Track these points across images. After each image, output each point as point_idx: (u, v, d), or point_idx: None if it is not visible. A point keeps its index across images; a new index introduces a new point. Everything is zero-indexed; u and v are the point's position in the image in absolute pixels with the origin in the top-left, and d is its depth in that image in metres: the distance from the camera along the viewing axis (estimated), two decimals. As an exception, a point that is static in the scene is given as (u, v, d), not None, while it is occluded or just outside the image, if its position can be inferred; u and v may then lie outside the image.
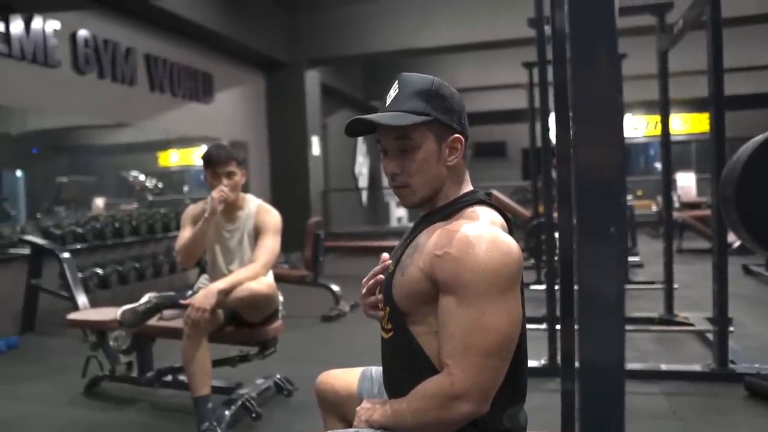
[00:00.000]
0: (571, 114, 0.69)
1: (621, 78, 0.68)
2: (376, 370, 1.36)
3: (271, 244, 2.54)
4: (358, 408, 1.17)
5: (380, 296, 1.23)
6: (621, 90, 0.68)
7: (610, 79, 0.66)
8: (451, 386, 0.99)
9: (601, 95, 0.67)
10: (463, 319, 0.99)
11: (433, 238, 1.07)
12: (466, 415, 1.00)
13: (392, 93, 1.14)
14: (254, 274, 2.45)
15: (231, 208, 2.59)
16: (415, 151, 1.10)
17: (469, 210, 1.11)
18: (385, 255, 1.26)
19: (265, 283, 2.49)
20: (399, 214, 10.46)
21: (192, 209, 2.67)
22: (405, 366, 1.12)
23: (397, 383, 1.15)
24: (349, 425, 1.18)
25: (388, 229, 10.53)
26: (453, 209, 1.12)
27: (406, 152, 1.11)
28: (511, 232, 1.10)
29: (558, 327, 2.99)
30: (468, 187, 1.18)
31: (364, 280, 1.27)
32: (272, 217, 2.60)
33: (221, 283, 2.38)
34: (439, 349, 1.03)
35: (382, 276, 1.24)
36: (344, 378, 1.39)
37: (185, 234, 2.58)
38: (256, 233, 2.58)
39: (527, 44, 6.75)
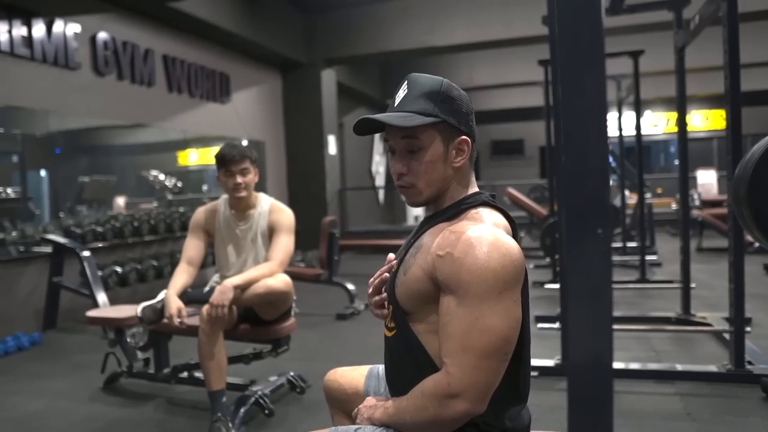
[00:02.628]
0: (557, 120, 0.70)
1: (605, 84, 0.69)
2: (383, 369, 1.38)
3: (285, 243, 2.58)
4: (360, 406, 1.19)
5: (385, 295, 1.25)
6: (605, 95, 0.68)
7: (594, 85, 0.67)
8: (448, 385, 1.00)
9: (586, 101, 0.68)
10: (462, 319, 1.01)
11: (435, 239, 1.09)
12: (463, 414, 1.01)
13: (401, 93, 1.15)
14: (270, 272, 2.48)
15: (244, 207, 2.63)
16: (422, 152, 1.12)
17: (473, 212, 1.12)
18: (391, 255, 1.28)
19: (282, 280, 2.52)
20: (416, 212, 10.46)
21: (200, 214, 2.71)
22: (406, 364, 1.13)
23: (398, 381, 1.16)
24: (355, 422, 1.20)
25: (405, 227, 10.54)
26: (457, 210, 1.13)
27: (413, 153, 1.12)
28: (515, 235, 1.11)
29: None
30: (473, 188, 1.19)
31: (371, 279, 1.29)
32: (286, 216, 2.63)
33: (236, 279, 2.42)
34: (440, 351, 1.05)
35: (388, 275, 1.26)
36: (351, 376, 1.40)
37: (191, 243, 2.64)
38: (270, 232, 2.62)
39: (542, 42, 6.71)
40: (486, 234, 1.03)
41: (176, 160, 7.67)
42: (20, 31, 4.45)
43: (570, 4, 0.68)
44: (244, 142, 7.94)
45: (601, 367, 0.67)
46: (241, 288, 2.42)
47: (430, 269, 1.06)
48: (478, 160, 14.50)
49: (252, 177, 2.58)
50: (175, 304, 2.43)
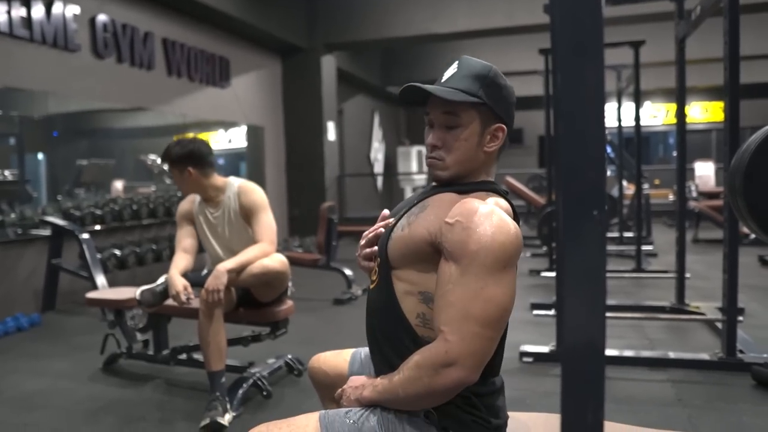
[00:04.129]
0: (555, 107, 0.72)
1: (603, 69, 0.71)
2: (366, 352, 1.39)
3: (267, 220, 2.59)
4: (345, 387, 1.20)
5: (375, 248, 1.26)
6: (603, 81, 0.70)
7: (593, 70, 0.68)
8: (446, 353, 1.01)
9: (585, 87, 0.70)
10: (466, 288, 1.02)
11: (444, 205, 1.10)
12: (457, 381, 1.02)
13: (450, 71, 1.16)
14: (263, 253, 2.50)
15: (212, 196, 2.65)
16: (459, 129, 1.14)
17: (483, 193, 1.14)
18: (386, 211, 1.28)
19: (278, 259, 2.55)
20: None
21: (183, 206, 2.73)
22: (382, 315, 1.16)
23: (375, 332, 1.18)
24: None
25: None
26: (469, 188, 1.15)
27: (450, 129, 1.14)
28: (517, 222, 1.13)
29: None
30: (491, 177, 1.21)
31: (366, 232, 1.30)
32: (257, 194, 2.64)
33: (229, 263, 2.44)
34: (434, 315, 1.06)
35: (383, 230, 1.27)
36: (334, 361, 1.41)
37: (182, 234, 2.66)
38: (244, 213, 2.62)
39: (544, 30, 6.69)
40: (495, 210, 1.06)
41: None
42: (19, 12, 4.43)
43: (571, -8, 0.70)
44: (243, 128, 7.93)
45: (594, 343, 0.69)
46: (236, 271, 2.44)
47: (436, 233, 1.07)
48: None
49: (178, 178, 2.59)
50: (180, 282, 2.44)
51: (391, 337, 1.14)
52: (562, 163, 0.72)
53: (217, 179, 2.64)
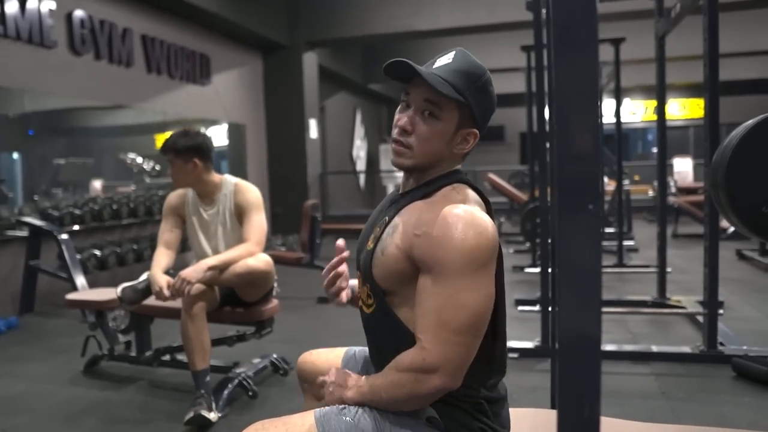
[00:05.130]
0: (550, 100, 0.72)
1: (598, 63, 0.70)
2: (360, 350, 1.38)
3: (258, 221, 2.56)
4: (328, 381, 1.18)
5: (344, 284, 1.27)
6: (598, 73, 0.70)
7: (588, 64, 0.68)
8: (423, 360, 1.02)
9: (580, 80, 0.70)
10: (437, 296, 1.02)
11: (412, 218, 1.09)
12: (439, 388, 1.02)
13: (444, 60, 1.12)
14: (248, 252, 2.48)
15: (207, 192, 2.60)
16: (436, 122, 1.10)
17: (449, 188, 1.12)
18: (340, 242, 1.26)
19: (263, 259, 2.52)
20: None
21: (172, 199, 2.67)
22: (388, 338, 1.14)
23: (382, 355, 1.17)
24: None
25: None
26: (433, 187, 1.13)
27: (427, 117, 1.10)
28: (489, 213, 1.11)
29: (551, 309, 3.03)
30: (455, 168, 1.18)
31: (323, 272, 1.28)
32: (253, 194, 2.61)
33: (212, 260, 2.41)
34: (415, 327, 1.06)
35: (341, 269, 1.27)
36: (327, 357, 1.39)
37: (166, 227, 2.61)
38: (239, 213, 2.59)
39: (526, 27, 6.72)
40: (462, 212, 1.03)
41: (154, 143, 7.56)
42: (-7, 7, 4.33)
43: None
44: (224, 125, 7.85)
45: (591, 336, 0.69)
46: (218, 269, 2.41)
47: (407, 248, 1.07)
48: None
49: (180, 169, 2.51)
50: (163, 279, 2.40)
51: (401, 350, 1.12)
52: (557, 155, 0.72)
53: (215, 176, 2.61)
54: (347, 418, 1.09)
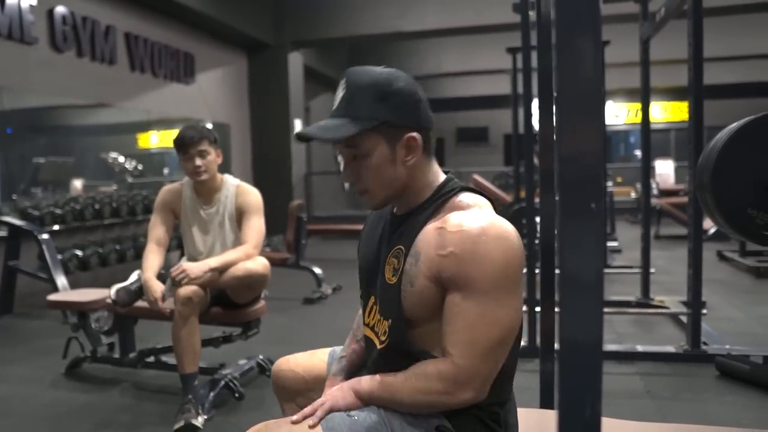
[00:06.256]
0: (555, 99, 0.72)
1: (603, 64, 0.70)
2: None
3: (257, 225, 2.54)
4: (326, 395, 1.13)
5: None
6: (603, 76, 0.70)
7: (593, 65, 0.68)
8: (456, 375, 1.01)
9: (584, 81, 0.69)
10: (469, 313, 1.00)
11: (432, 240, 1.04)
12: (469, 401, 1.03)
13: (339, 93, 1.08)
14: (246, 255, 2.46)
15: (209, 190, 2.57)
16: (367, 159, 1.06)
17: (457, 200, 1.08)
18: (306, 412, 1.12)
19: (261, 263, 2.50)
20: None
21: (165, 194, 2.63)
22: (394, 369, 1.10)
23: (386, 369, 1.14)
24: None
25: (369, 213, 10.55)
26: (438, 203, 1.08)
27: (357, 160, 1.07)
28: (496, 212, 1.08)
29: (537, 309, 3.05)
30: (440, 175, 1.13)
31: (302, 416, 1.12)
32: (254, 197, 2.59)
33: (214, 261, 2.39)
34: (443, 341, 1.03)
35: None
36: (309, 362, 1.33)
37: (157, 223, 2.57)
38: (238, 215, 2.57)
39: (512, 30, 6.75)
40: (484, 224, 1.00)
41: (137, 142, 7.47)
42: (-28, 2, 4.24)
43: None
44: (209, 125, 7.78)
45: (593, 341, 0.69)
46: (218, 270, 2.39)
47: (435, 272, 1.03)
48: (444, 146, 14.61)
49: (213, 159, 2.50)
50: (158, 288, 2.37)
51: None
52: (560, 154, 0.71)
53: (218, 174, 2.58)
54: (354, 418, 1.08)
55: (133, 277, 2.52)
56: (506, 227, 1.02)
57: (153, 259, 2.49)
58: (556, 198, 0.75)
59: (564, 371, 0.73)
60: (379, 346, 1.14)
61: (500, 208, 5.56)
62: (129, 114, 6.32)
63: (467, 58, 10.97)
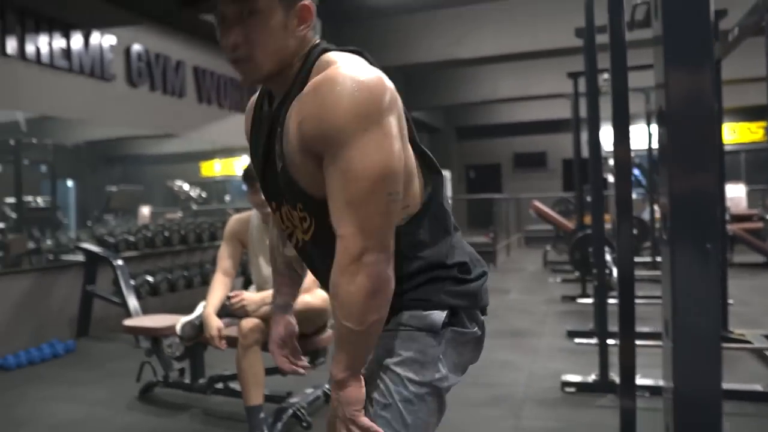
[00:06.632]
0: (658, 125, 0.69)
1: (717, 83, 0.68)
2: None
3: None
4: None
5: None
6: (717, 97, 0.67)
7: (706, 86, 0.65)
8: (347, 250, 0.91)
9: (697, 103, 0.67)
10: (336, 175, 0.91)
11: (293, 112, 0.97)
12: (377, 264, 0.91)
13: None
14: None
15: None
16: (258, 17, 0.96)
17: (321, 61, 0.99)
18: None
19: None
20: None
21: (233, 223, 2.70)
22: (330, 255, 0.99)
23: (326, 270, 1.02)
24: None
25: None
26: (304, 74, 1.00)
27: (247, 19, 0.97)
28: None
29: (610, 341, 2.93)
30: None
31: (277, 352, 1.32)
32: None
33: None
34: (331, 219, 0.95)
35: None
36: None
37: (226, 253, 2.63)
38: None
39: (571, 54, 6.67)
40: (332, 75, 0.92)
41: (201, 170, 7.75)
42: (60, 43, 4.55)
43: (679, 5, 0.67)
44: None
45: (710, 383, 0.65)
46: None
47: (301, 143, 0.95)
48: (501, 172, 14.46)
49: None
50: (215, 325, 2.43)
51: None
52: (670, 191, 0.69)
53: None
54: (384, 401, 0.99)
55: (198, 309, 2.58)
56: (359, 73, 0.92)
57: (217, 292, 2.55)
58: (663, 237, 0.72)
59: (679, 410, 0.69)
60: (305, 237, 1.07)
61: (561, 235, 5.40)
62: (193, 143, 6.59)
63: (523, 83, 10.89)
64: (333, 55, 0.99)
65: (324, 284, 1.07)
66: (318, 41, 1.05)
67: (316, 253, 1.08)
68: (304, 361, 1.35)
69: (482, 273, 1.09)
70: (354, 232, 0.91)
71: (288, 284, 1.37)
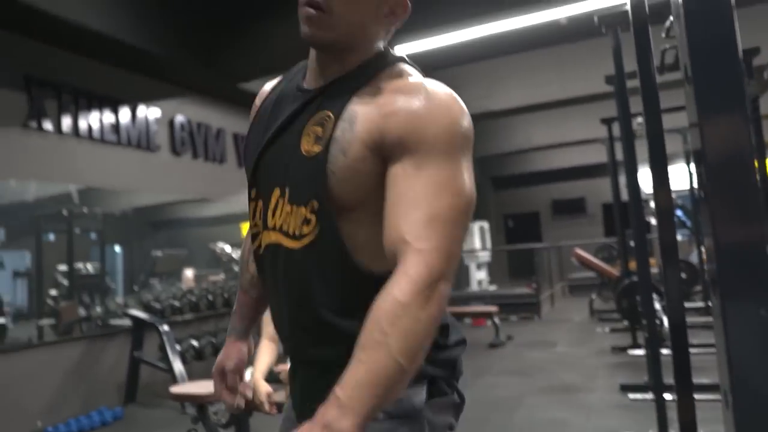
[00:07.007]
0: (698, 172, 0.68)
1: (756, 120, 0.67)
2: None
3: None
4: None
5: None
6: (757, 133, 0.66)
7: (743, 129, 0.65)
8: (427, 267, 0.75)
9: (734, 145, 0.66)
10: (423, 184, 0.79)
11: (373, 100, 0.86)
12: (446, 299, 0.78)
13: None
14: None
15: None
16: None
17: (389, 70, 0.91)
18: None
19: None
20: (479, 276, 10.23)
21: None
22: (313, 283, 0.88)
23: (291, 309, 0.92)
24: None
25: (468, 293, 10.31)
26: (371, 73, 0.90)
27: None
28: None
29: (666, 396, 2.79)
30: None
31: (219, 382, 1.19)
32: None
33: None
34: (388, 229, 0.80)
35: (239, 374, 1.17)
36: None
37: (267, 318, 2.64)
38: None
39: (601, 99, 6.68)
40: (432, 82, 0.86)
41: (241, 232, 7.91)
42: (109, 118, 4.83)
43: (707, 44, 0.67)
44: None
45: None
46: None
47: (377, 135, 0.83)
48: (539, 220, 14.31)
49: None
50: (264, 390, 2.43)
51: (336, 297, 0.87)
52: (717, 254, 0.67)
53: None
54: None
55: (246, 377, 2.59)
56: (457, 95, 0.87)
57: (264, 357, 2.56)
58: (715, 301, 0.69)
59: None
60: (296, 245, 0.88)
61: (606, 282, 5.23)
62: (232, 206, 6.77)
63: (556, 131, 10.89)
64: (412, 70, 0.92)
65: (287, 308, 0.93)
66: (386, 48, 0.97)
67: (303, 268, 0.89)
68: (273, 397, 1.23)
69: (462, 339, 0.97)
70: (437, 249, 0.77)
71: (252, 306, 1.17)
